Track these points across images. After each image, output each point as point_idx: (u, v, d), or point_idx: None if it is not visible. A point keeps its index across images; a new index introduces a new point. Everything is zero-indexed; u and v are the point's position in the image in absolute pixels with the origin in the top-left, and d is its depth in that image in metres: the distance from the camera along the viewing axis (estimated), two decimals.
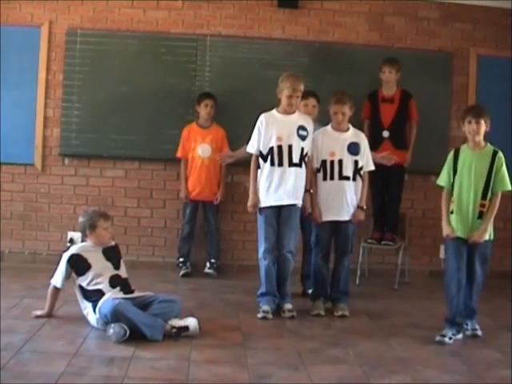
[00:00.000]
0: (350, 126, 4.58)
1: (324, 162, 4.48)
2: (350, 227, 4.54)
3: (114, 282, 3.90)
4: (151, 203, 5.86)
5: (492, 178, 3.91)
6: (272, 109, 4.48)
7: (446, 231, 3.99)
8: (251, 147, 4.46)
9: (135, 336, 3.55)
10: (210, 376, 3.16)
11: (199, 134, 5.56)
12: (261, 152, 4.42)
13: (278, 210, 4.40)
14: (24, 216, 5.79)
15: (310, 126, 4.46)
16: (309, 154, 4.45)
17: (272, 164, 4.37)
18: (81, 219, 4.13)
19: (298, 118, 4.45)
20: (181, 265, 5.58)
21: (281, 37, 5.88)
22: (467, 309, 3.97)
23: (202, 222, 5.72)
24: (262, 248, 4.40)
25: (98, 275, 3.89)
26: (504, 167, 3.93)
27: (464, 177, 3.95)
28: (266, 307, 4.30)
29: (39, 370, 3.07)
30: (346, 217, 4.48)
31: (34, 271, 5.31)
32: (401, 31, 5.97)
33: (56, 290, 3.97)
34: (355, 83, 5.54)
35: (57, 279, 3.95)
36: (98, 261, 3.96)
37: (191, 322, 3.73)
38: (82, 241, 4.17)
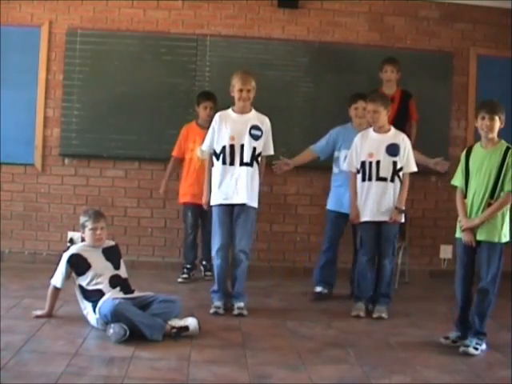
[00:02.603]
0: (392, 127, 4.57)
1: (363, 163, 4.47)
2: (392, 229, 4.49)
3: (114, 282, 3.89)
4: (151, 203, 5.86)
5: (501, 176, 3.65)
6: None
7: (463, 237, 3.75)
8: (206, 145, 4.50)
9: (135, 336, 3.55)
10: (209, 376, 3.16)
11: (198, 134, 5.28)
12: (214, 150, 4.43)
13: (231, 209, 4.40)
14: (24, 216, 5.79)
15: (265, 126, 4.45)
16: (263, 153, 4.44)
17: (224, 163, 4.38)
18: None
19: (253, 118, 4.46)
20: (186, 271, 5.38)
21: (281, 37, 5.88)
22: (473, 323, 3.77)
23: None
24: (214, 247, 4.41)
25: (98, 275, 3.88)
26: None
27: (474, 177, 3.74)
28: (217, 303, 4.34)
29: (39, 369, 3.07)
30: (383, 218, 4.44)
31: (34, 271, 5.31)
32: (401, 31, 5.98)
33: (56, 289, 3.97)
34: (355, 83, 5.52)
35: (57, 279, 3.94)
36: (97, 260, 3.95)
37: (191, 322, 3.73)
38: (82, 240, 4.17)
